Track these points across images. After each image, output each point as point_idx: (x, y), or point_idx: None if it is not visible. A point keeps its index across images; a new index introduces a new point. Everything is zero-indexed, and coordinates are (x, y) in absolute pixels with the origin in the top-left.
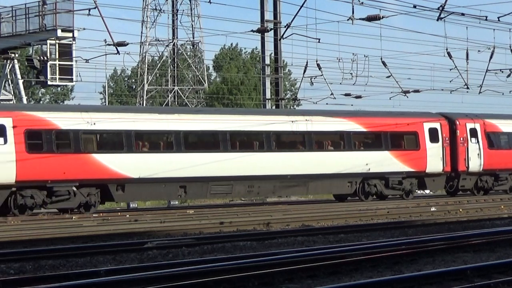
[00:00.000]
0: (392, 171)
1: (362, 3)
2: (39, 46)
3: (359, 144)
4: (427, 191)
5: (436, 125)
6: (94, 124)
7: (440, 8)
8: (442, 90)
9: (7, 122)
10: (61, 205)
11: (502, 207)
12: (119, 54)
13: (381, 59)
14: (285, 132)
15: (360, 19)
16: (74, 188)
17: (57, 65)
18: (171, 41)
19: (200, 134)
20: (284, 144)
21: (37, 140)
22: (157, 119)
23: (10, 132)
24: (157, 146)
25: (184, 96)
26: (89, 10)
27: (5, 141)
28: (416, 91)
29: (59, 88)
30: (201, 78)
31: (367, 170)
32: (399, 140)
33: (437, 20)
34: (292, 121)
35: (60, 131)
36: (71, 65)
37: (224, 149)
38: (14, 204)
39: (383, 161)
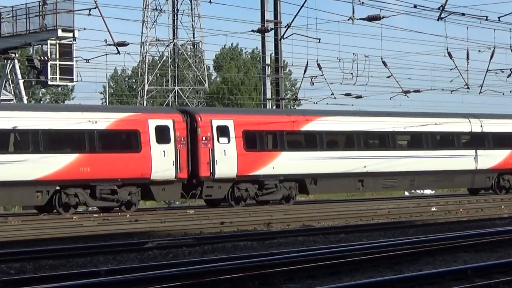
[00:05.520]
0: (100, 179)
1: (362, 3)
2: (40, 46)
3: (50, 145)
4: (428, 191)
5: (167, 122)
6: None
7: (441, 8)
8: (443, 90)
9: None
10: None
11: (502, 207)
12: (119, 54)
13: (382, 59)
14: None
15: (360, 19)
16: None
17: (58, 65)
18: (171, 41)
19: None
20: None
21: None
22: None
23: None
24: None
25: (185, 96)
26: (90, 10)
27: None
28: (417, 91)
29: (59, 88)
30: (201, 78)
31: (62, 178)
32: (111, 140)
33: (438, 20)
34: None
35: None
36: (72, 65)
37: None
38: None
39: (86, 166)
